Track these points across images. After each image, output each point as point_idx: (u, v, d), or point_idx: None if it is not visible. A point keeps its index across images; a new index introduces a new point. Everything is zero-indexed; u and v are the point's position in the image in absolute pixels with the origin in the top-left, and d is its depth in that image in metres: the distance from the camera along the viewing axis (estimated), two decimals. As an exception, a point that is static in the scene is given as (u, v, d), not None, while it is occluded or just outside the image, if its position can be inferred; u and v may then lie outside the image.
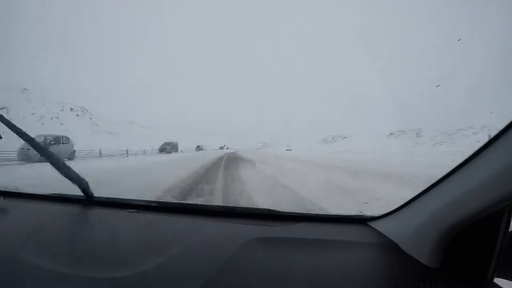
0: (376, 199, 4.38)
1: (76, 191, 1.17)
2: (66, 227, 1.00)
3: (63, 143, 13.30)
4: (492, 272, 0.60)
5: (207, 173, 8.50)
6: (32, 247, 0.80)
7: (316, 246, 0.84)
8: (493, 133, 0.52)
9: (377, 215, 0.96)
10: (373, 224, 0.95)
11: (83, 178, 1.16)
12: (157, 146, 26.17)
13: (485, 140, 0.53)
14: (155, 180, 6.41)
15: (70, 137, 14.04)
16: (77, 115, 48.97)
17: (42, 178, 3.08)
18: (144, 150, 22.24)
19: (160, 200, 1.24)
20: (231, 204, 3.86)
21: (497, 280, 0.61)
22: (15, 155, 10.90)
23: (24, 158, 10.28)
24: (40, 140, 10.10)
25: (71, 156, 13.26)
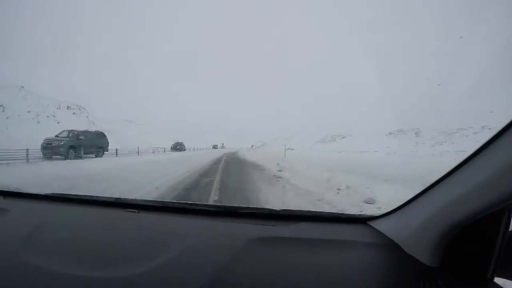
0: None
1: (76, 191, 1.17)
2: (66, 227, 1.00)
3: (99, 138, 15.00)
4: (492, 271, 0.60)
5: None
6: (32, 247, 0.80)
7: (316, 245, 0.84)
8: (493, 132, 0.52)
9: (377, 215, 0.96)
10: (373, 223, 0.95)
11: None
12: (158, 145, 30.09)
13: (485, 139, 0.53)
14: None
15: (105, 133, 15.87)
16: (74, 113, 48.69)
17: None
18: (153, 148, 25.13)
19: (160, 200, 1.23)
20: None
21: (497, 280, 0.61)
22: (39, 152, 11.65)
23: (47, 154, 11.44)
24: (83, 134, 11.78)
25: (99, 152, 14.51)
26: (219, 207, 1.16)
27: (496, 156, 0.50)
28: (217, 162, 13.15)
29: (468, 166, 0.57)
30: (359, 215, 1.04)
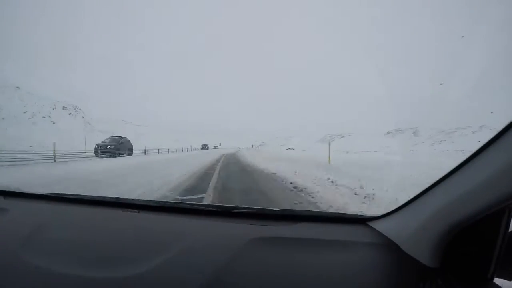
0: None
1: (75, 190, 1.16)
2: (66, 227, 1.00)
3: (124, 142, 18.33)
4: (492, 272, 0.60)
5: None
6: (32, 247, 0.80)
7: (316, 246, 0.84)
8: (493, 133, 0.52)
9: (377, 215, 0.96)
10: (373, 224, 0.95)
11: None
12: (162, 146, 33.71)
13: (484, 139, 0.53)
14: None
15: (128, 138, 19.51)
16: (70, 114, 48.26)
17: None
18: (169, 149, 28.73)
19: (159, 200, 1.23)
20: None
21: (497, 280, 0.61)
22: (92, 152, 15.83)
23: (99, 153, 15.40)
24: (122, 139, 18.28)
25: (130, 152, 18.34)
26: (219, 207, 1.16)
27: (496, 157, 0.50)
28: (210, 167, 9.52)
29: (468, 167, 0.57)
30: (359, 215, 1.04)
